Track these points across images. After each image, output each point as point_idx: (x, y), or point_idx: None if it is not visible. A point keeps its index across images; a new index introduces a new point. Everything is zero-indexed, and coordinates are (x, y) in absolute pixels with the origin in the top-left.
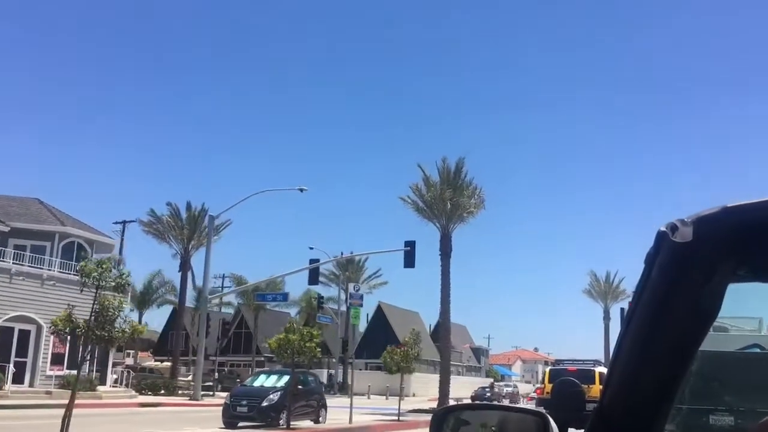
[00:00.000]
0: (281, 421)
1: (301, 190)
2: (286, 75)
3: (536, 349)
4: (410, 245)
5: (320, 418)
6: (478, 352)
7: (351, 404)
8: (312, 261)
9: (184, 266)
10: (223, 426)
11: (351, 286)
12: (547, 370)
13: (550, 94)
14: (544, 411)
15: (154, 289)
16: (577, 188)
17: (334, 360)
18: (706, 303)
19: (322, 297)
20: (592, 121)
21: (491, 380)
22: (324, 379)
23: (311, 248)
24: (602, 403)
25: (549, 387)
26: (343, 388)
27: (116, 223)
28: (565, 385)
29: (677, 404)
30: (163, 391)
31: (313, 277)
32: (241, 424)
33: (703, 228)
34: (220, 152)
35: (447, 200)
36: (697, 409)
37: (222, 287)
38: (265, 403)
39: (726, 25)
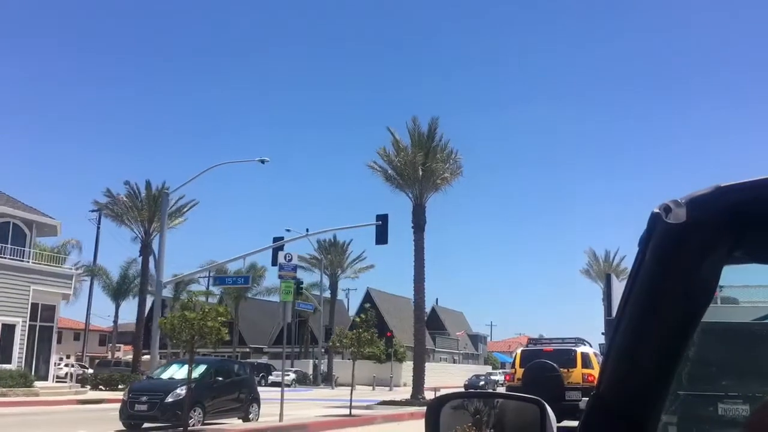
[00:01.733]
0: (193, 420)
1: (263, 162)
2: (246, 36)
3: (541, 336)
4: (382, 219)
5: (250, 415)
6: (476, 339)
7: (282, 397)
8: (276, 239)
9: (145, 251)
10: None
11: (281, 255)
12: (518, 351)
13: (538, 60)
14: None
15: (131, 279)
16: (574, 160)
17: (322, 350)
18: (701, 285)
19: (301, 282)
20: (593, 82)
21: (489, 368)
22: (309, 370)
23: (288, 230)
24: (599, 388)
25: (520, 372)
26: (328, 379)
27: (93, 211)
28: (539, 370)
29: (679, 390)
30: (121, 386)
31: (277, 257)
32: (146, 425)
33: (696, 209)
34: (181, 128)
35: (419, 165)
36: (702, 396)
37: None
38: (169, 399)
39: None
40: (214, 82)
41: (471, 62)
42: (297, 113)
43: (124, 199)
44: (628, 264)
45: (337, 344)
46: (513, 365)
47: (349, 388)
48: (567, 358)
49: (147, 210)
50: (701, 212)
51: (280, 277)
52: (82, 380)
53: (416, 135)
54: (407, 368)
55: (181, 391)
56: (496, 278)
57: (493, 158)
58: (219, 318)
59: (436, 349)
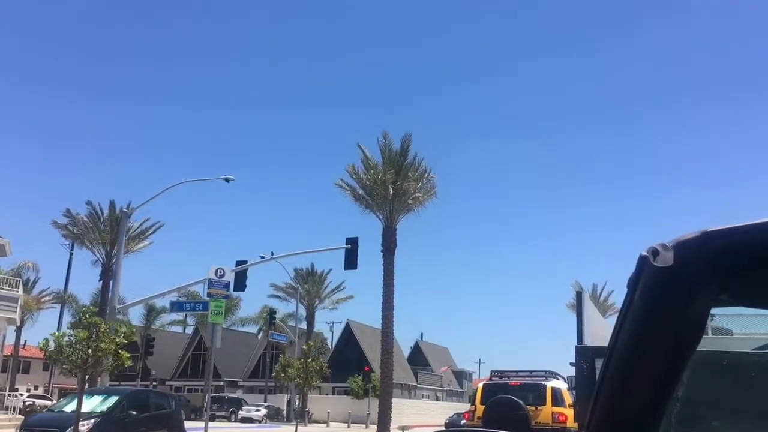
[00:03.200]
0: None
1: (227, 180)
2: (209, 52)
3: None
4: (352, 243)
5: None
6: (461, 376)
7: None
8: (239, 263)
9: (106, 275)
10: None
11: (212, 270)
12: (480, 385)
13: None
14: None
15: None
16: (562, 188)
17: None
18: (689, 327)
19: (275, 312)
20: (580, 108)
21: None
22: (283, 405)
23: (262, 257)
24: (588, 429)
25: (481, 410)
26: (302, 416)
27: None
28: (502, 407)
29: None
30: None
31: (239, 281)
32: None
33: (683, 253)
34: (149, 148)
35: (389, 184)
36: None
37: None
38: None
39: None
40: (181, 99)
41: (461, 80)
42: (269, 131)
43: (85, 219)
44: (616, 299)
45: (282, 375)
46: (473, 401)
47: (324, 425)
48: (536, 393)
49: (109, 232)
50: (688, 256)
51: (209, 295)
52: (29, 412)
53: (387, 152)
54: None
55: (83, 427)
56: (482, 311)
57: (479, 184)
58: (116, 340)
59: (419, 386)
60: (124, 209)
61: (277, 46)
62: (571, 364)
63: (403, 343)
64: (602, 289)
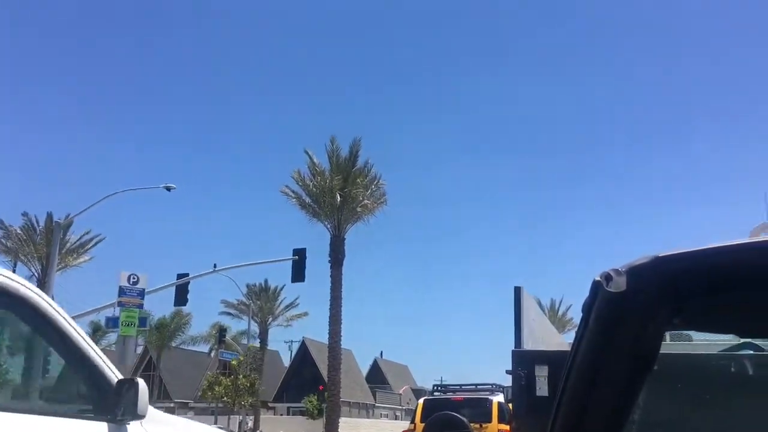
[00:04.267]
0: None
1: (168, 189)
2: (150, 54)
3: (477, 386)
4: (299, 254)
5: None
6: (421, 394)
7: None
8: (180, 276)
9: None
10: None
11: (124, 276)
12: (421, 401)
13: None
14: None
15: None
16: (518, 203)
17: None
18: (643, 351)
19: (225, 329)
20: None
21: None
22: (235, 427)
23: (215, 266)
24: None
25: (421, 428)
26: None
27: None
28: (443, 425)
29: None
30: None
31: (181, 295)
32: None
33: (636, 278)
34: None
35: (337, 191)
36: None
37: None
38: None
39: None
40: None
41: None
42: (216, 136)
43: (18, 231)
44: (575, 313)
45: (208, 394)
46: (413, 419)
47: None
48: (481, 409)
49: (45, 245)
50: (641, 281)
51: (119, 304)
52: None
53: (335, 157)
54: (344, 425)
55: None
56: (442, 326)
57: (435, 192)
58: None
59: (377, 405)
60: (58, 221)
61: (220, 46)
62: (508, 372)
63: (363, 362)
64: (560, 303)
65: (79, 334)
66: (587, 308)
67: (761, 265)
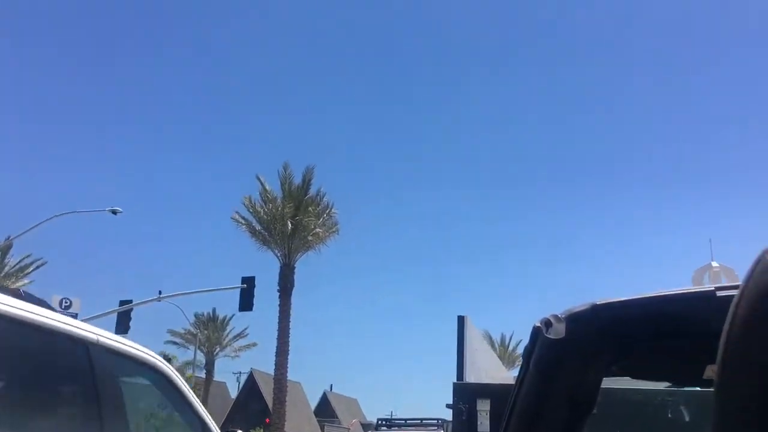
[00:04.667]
0: None
1: (114, 212)
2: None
3: (422, 421)
4: (248, 282)
5: None
6: (371, 429)
7: None
8: (123, 302)
9: None
10: None
11: (56, 299)
12: None
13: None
14: None
15: None
16: (471, 237)
17: None
18: (582, 396)
19: (170, 359)
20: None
21: None
22: None
23: (160, 293)
24: None
25: None
26: None
27: None
28: None
29: None
30: None
31: (123, 323)
32: None
33: (575, 325)
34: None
35: (288, 218)
36: None
37: None
38: None
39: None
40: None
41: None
42: (167, 159)
43: None
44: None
45: None
46: None
47: None
48: None
49: None
50: (579, 328)
51: None
52: None
53: (288, 185)
54: None
55: None
56: (393, 358)
57: (386, 223)
58: None
59: None
60: None
61: (174, 66)
62: (448, 406)
63: (313, 395)
64: (510, 338)
65: (199, 405)
66: (527, 354)
67: (694, 316)
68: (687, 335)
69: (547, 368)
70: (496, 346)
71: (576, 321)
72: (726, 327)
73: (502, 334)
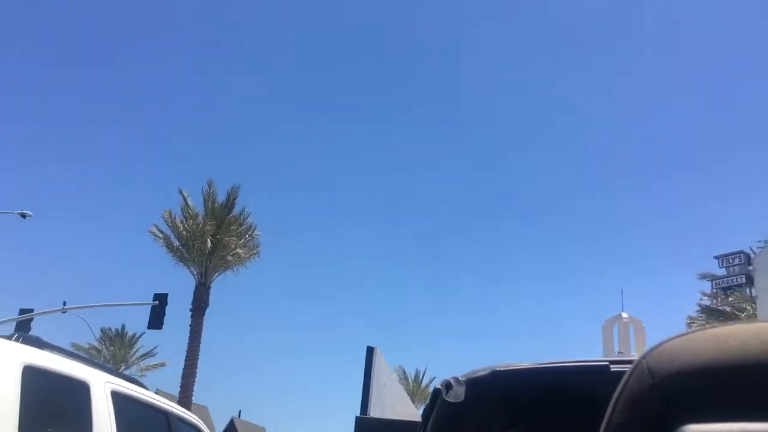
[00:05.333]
0: None
1: (24, 216)
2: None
3: None
4: (160, 300)
5: None
6: None
7: None
8: (23, 311)
9: None
10: None
11: None
12: None
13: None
14: None
15: None
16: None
17: None
18: None
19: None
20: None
21: None
22: None
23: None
24: None
25: None
26: None
27: None
28: None
29: None
30: None
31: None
32: None
33: (474, 389)
34: None
35: (208, 236)
36: None
37: None
38: None
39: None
40: None
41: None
42: (85, 162)
43: None
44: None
45: None
46: None
47: None
48: None
49: None
50: (478, 393)
51: None
52: None
53: (211, 202)
54: None
55: None
56: (302, 391)
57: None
58: None
59: None
60: None
61: (108, 65)
62: None
63: (220, 420)
64: (423, 374)
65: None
66: (426, 414)
67: (588, 388)
68: (580, 406)
69: (445, 429)
70: (410, 381)
71: (475, 385)
72: (604, 424)
73: (417, 369)
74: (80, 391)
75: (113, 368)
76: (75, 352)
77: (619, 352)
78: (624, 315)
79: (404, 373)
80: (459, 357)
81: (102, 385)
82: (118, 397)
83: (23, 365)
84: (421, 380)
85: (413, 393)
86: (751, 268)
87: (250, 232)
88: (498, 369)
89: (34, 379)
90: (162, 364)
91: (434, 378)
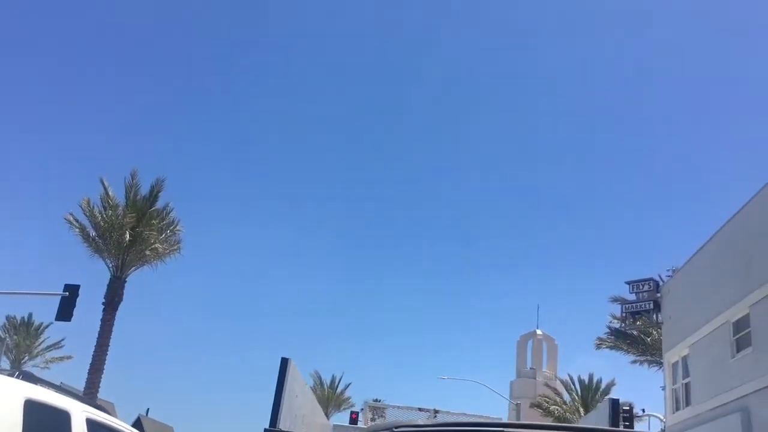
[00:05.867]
0: None
1: None
2: None
3: None
4: (71, 291)
5: None
6: None
7: None
8: None
9: None
10: None
11: None
12: None
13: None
14: None
15: None
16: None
17: None
18: None
19: None
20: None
21: None
22: None
23: None
24: None
25: None
26: None
27: None
28: None
29: None
30: None
31: None
32: None
33: None
34: None
35: (127, 229)
36: None
37: None
38: None
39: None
40: None
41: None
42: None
43: None
44: (353, 392)
45: None
46: None
47: None
48: None
49: None
50: None
51: None
52: None
53: (133, 193)
54: None
55: None
56: (216, 393)
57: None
58: None
59: None
60: None
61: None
62: None
63: (127, 417)
64: (340, 380)
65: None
66: None
67: None
68: None
69: None
70: (325, 386)
71: None
72: None
73: (333, 375)
74: (63, 419)
75: (87, 398)
76: (57, 384)
77: (531, 368)
78: (539, 332)
79: (320, 378)
80: (377, 361)
81: (80, 414)
82: (91, 424)
83: (24, 399)
84: (337, 386)
85: (328, 399)
86: (659, 295)
87: (172, 227)
88: (397, 427)
89: (32, 411)
90: (68, 357)
91: (350, 384)
